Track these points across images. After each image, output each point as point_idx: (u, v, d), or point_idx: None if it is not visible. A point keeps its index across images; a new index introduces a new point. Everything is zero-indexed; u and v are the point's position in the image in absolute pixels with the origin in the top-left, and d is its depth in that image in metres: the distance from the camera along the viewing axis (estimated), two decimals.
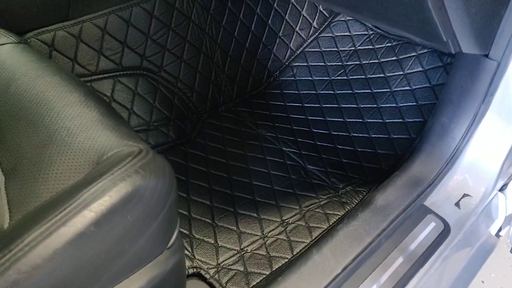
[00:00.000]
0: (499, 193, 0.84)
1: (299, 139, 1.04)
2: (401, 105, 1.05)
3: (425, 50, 1.07)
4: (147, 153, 0.45)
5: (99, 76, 0.94)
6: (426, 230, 0.71)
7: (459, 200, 0.78)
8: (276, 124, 1.08)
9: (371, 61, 1.14)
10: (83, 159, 0.47)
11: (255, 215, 0.85)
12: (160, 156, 0.46)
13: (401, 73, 1.08)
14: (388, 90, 1.08)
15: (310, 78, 1.18)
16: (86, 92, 0.59)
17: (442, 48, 0.70)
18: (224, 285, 0.71)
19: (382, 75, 1.11)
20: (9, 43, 0.68)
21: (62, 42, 0.89)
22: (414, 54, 1.08)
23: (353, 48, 1.17)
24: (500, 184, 0.83)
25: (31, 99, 0.56)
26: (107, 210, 0.39)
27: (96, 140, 0.49)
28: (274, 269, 0.74)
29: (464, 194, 0.79)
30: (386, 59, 1.12)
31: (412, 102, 1.04)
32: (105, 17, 0.93)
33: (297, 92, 1.16)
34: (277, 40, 1.20)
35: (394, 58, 1.11)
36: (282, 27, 1.20)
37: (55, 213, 0.38)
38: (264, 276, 0.73)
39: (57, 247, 0.36)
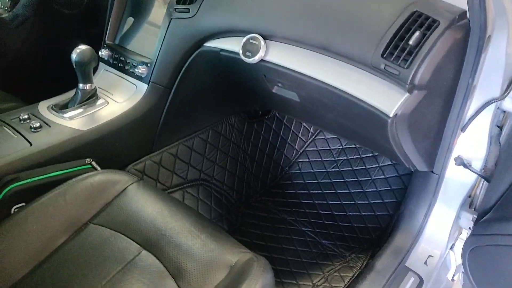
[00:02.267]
0: (450, 251, 1.27)
1: (312, 220, 1.45)
2: (380, 189, 1.49)
3: None
4: (260, 258, 0.84)
5: (173, 189, 1.32)
6: (409, 283, 1.13)
7: (426, 260, 1.20)
8: (294, 209, 1.49)
9: (355, 157, 1.59)
10: (219, 265, 0.85)
11: (294, 282, 1.23)
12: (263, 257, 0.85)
13: (377, 165, 1.54)
14: (370, 178, 1.53)
15: (312, 171, 1.61)
16: (196, 214, 0.98)
17: (405, 166, 1.14)
18: None
19: (364, 167, 1.56)
20: (134, 182, 1.03)
21: (149, 168, 1.26)
22: None
23: (341, 146, 1.63)
24: (450, 244, 1.27)
25: (164, 223, 0.93)
26: None
27: (222, 251, 0.88)
28: None
29: (429, 255, 1.21)
30: (366, 155, 1.57)
31: (387, 187, 1.48)
32: (177, 147, 1.31)
33: (303, 182, 1.59)
34: (286, 144, 1.64)
35: (371, 154, 1.57)
36: (290, 135, 1.64)
37: None
38: None
39: None
